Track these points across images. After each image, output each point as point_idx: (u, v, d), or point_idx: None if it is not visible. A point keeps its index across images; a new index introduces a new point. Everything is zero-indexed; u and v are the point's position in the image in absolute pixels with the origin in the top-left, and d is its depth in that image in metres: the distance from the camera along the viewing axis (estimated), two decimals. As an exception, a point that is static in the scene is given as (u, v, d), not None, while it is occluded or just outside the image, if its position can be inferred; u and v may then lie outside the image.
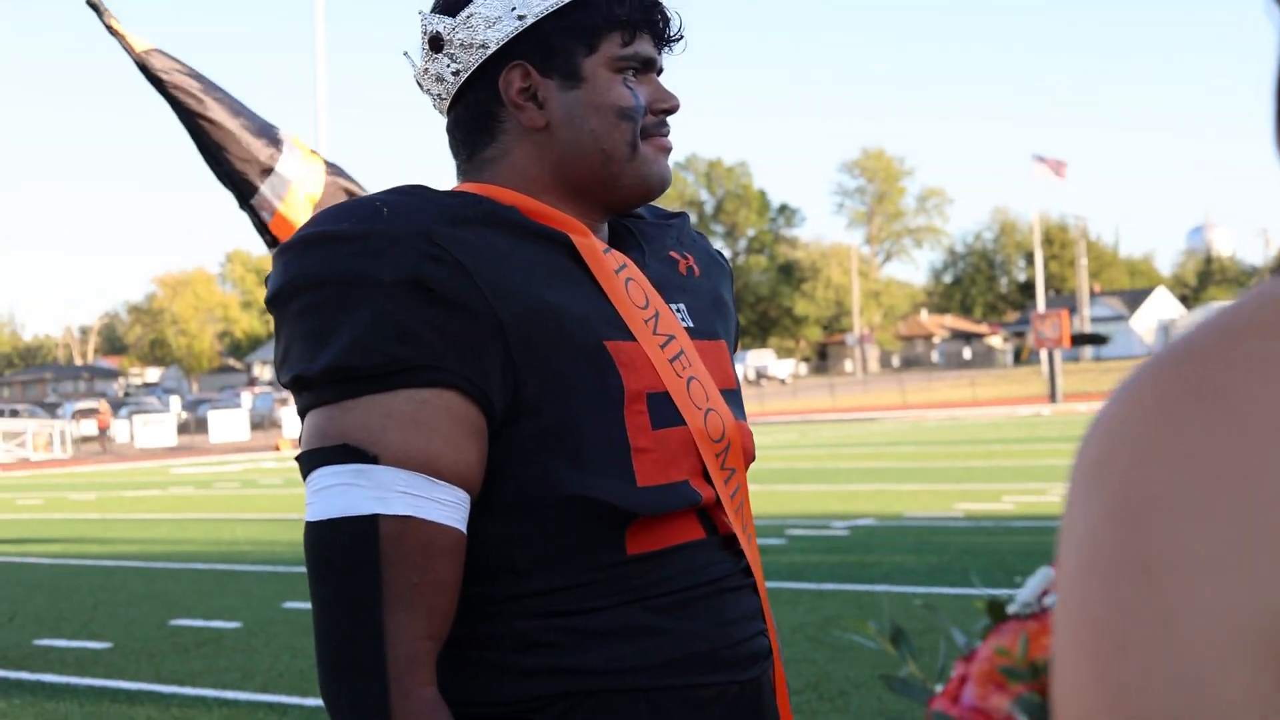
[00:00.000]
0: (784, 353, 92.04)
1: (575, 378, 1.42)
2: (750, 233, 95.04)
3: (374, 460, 1.33)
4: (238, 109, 3.80)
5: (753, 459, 1.61)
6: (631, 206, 1.59)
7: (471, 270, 1.37)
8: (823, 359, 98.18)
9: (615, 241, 1.61)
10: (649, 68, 1.58)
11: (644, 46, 1.56)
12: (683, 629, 1.46)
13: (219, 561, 13.22)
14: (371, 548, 1.32)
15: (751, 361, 78.28)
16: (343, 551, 1.33)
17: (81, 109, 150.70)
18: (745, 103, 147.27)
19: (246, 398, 63.41)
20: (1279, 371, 0.52)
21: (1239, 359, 0.53)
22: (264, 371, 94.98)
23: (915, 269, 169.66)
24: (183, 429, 51.40)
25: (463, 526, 1.38)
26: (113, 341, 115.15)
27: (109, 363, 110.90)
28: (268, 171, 3.77)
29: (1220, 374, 0.53)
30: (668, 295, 1.57)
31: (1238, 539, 0.50)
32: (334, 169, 3.98)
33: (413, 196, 1.44)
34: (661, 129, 1.58)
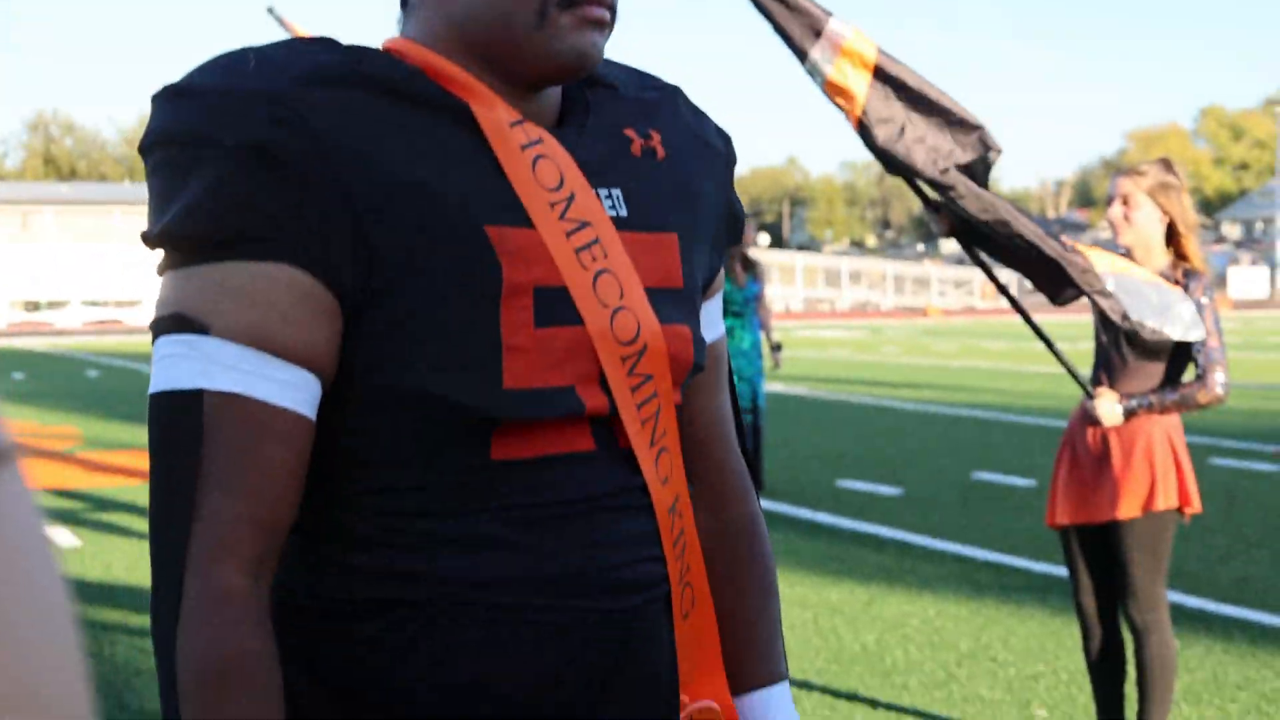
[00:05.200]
0: None
1: (442, 263, 1.29)
2: None
3: (204, 331, 1.25)
4: None
5: (689, 366, 1.45)
6: (545, 82, 1.39)
7: (325, 137, 1.26)
8: None
9: (565, 110, 1.46)
10: None
11: None
12: (539, 546, 1.34)
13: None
14: (194, 424, 1.25)
15: None
16: (168, 427, 1.26)
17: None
18: None
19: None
20: None
21: None
22: (1232, 230, 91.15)
23: None
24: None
25: (304, 409, 1.28)
26: (1085, 195, 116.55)
27: (1080, 216, 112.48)
28: (818, 35, 3.88)
29: None
30: (599, 178, 1.41)
31: None
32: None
33: (288, 51, 1.31)
34: None
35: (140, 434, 13.39)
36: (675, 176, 1.48)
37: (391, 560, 1.32)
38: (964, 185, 3.77)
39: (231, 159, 1.24)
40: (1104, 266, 4.09)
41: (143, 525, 8.51)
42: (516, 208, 1.33)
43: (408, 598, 1.31)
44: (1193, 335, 4.12)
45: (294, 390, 1.27)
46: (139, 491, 9.85)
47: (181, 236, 1.26)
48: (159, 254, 1.32)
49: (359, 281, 1.27)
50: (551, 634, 1.35)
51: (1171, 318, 4.10)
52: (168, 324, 1.27)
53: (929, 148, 3.79)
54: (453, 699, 1.33)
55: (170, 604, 1.24)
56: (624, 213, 1.42)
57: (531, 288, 1.32)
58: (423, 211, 1.28)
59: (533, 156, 1.36)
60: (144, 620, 6.19)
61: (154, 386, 1.29)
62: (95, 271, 43.45)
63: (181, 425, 1.26)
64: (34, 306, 46.02)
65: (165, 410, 1.27)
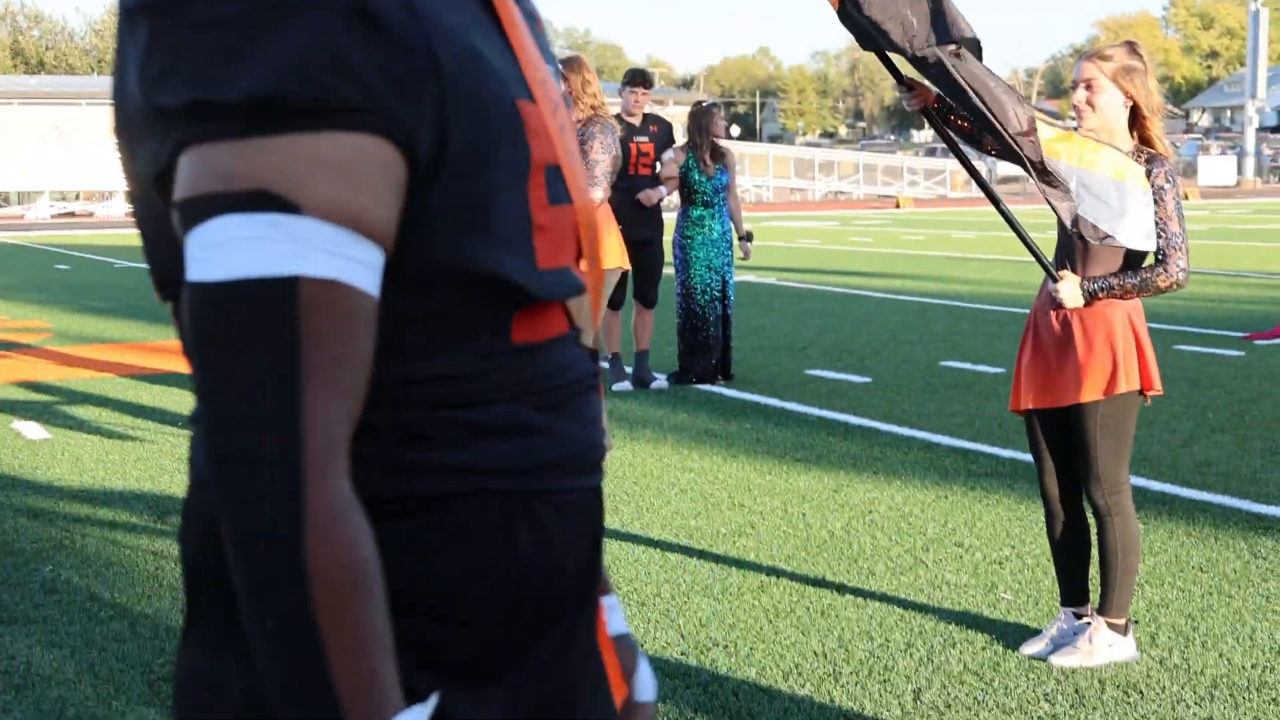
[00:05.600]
0: None
1: (494, 137, 1.23)
2: None
3: (295, 211, 1.12)
4: None
5: None
6: None
7: (415, 2, 1.18)
8: None
9: None
10: None
11: None
12: (555, 429, 1.32)
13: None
14: (290, 314, 1.12)
15: None
16: (254, 318, 1.12)
17: None
18: None
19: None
20: None
21: None
22: (1202, 119, 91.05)
23: None
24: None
25: (379, 293, 1.19)
26: (1055, 85, 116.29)
27: (1050, 105, 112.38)
28: None
29: None
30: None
31: None
32: None
33: None
34: None
35: (111, 327, 13.32)
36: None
37: (441, 454, 1.24)
38: (940, 66, 3.74)
39: (333, 18, 1.13)
40: (1070, 162, 4.08)
41: (111, 418, 8.50)
42: (525, 84, 1.29)
43: (454, 490, 1.25)
44: (1144, 245, 4.13)
45: (375, 273, 1.18)
46: (109, 384, 9.83)
47: (274, 100, 1.12)
48: (201, 120, 1.14)
49: (431, 155, 1.19)
50: (569, 515, 1.33)
51: (1126, 224, 4.10)
52: (240, 201, 1.12)
53: (905, 25, 3.74)
54: (500, 592, 1.28)
55: (288, 513, 1.12)
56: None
57: (544, 165, 1.29)
58: (481, 83, 1.22)
59: (525, 33, 1.33)
60: (114, 513, 6.20)
61: (222, 273, 1.12)
62: (66, 164, 42.88)
63: (271, 317, 1.12)
64: (4, 200, 45.49)
65: (246, 300, 1.12)
